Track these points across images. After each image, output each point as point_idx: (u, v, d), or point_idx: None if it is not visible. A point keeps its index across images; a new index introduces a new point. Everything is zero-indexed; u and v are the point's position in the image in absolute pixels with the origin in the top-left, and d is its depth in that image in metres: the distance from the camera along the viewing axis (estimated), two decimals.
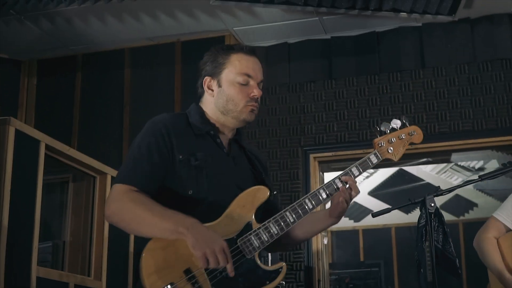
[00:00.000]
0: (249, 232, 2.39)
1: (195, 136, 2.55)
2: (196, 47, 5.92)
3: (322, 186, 2.53)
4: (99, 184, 4.50)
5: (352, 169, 2.57)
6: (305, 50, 5.84)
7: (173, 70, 5.96)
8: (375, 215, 3.20)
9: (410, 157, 5.68)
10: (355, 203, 10.23)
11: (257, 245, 2.38)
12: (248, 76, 2.58)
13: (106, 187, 4.49)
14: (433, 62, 5.51)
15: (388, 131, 2.69)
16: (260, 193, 2.46)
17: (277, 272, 2.39)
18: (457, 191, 9.91)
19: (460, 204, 9.98)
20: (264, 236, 2.39)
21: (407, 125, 2.74)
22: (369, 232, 10.29)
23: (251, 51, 2.65)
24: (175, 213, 2.32)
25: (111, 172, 4.56)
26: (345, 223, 10.22)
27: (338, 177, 2.55)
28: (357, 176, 2.58)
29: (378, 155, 2.66)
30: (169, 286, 2.25)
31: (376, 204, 10.06)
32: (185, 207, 2.38)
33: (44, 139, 3.88)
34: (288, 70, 5.84)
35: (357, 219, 10.38)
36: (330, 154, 5.57)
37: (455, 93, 5.40)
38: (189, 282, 2.26)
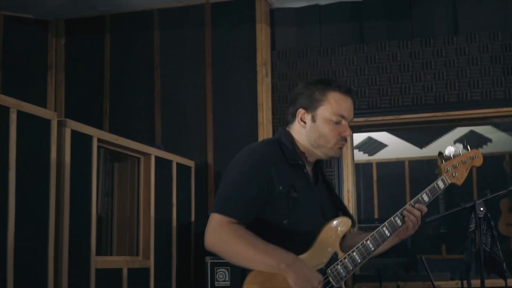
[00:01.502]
0: (336, 262, 2.57)
1: (289, 166, 2.66)
2: (225, 10, 5.87)
3: (397, 214, 2.70)
4: (144, 164, 4.60)
5: (423, 196, 2.76)
6: (336, 12, 5.78)
7: (203, 32, 5.91)
8: (428, 221, 3.33)
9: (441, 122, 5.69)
10: (370, 138, 10.38)
11: (344, 274, 2.57)
12: (343, 117, 2.68)
13: (150, 167, 4.60)
14: (466, 28, 5.48)
15: (452, 156, 2.86)
16: (344, 224, 2.64)
17: None
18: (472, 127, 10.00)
19: (474, 139, 10.07)
20: (350, 265, 2.58)
21: (469, 149, 2.90)
22: (382, 164, 10.49)
23: (348, 91, 2.72)
24: (275, 249, 2.45)
25: (155, 152, 4.66)
26: (359, 156, 10.40)
27: (411, 204, 2.72)
28: (428, 202, 2.77)
29: (445, 180, 2.82)
30: None
31: (390, 139, 10.20)
32: (279, 236, 2.53)
33: (95, 133, 3.97)
34: (319, 33, 5.81)
35: (371, 153, 10.55)
36: (362, 119, 5.62)
37: (488, 60, 5.40)
38: None
